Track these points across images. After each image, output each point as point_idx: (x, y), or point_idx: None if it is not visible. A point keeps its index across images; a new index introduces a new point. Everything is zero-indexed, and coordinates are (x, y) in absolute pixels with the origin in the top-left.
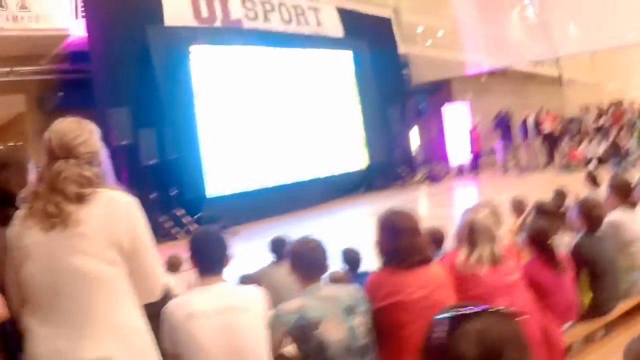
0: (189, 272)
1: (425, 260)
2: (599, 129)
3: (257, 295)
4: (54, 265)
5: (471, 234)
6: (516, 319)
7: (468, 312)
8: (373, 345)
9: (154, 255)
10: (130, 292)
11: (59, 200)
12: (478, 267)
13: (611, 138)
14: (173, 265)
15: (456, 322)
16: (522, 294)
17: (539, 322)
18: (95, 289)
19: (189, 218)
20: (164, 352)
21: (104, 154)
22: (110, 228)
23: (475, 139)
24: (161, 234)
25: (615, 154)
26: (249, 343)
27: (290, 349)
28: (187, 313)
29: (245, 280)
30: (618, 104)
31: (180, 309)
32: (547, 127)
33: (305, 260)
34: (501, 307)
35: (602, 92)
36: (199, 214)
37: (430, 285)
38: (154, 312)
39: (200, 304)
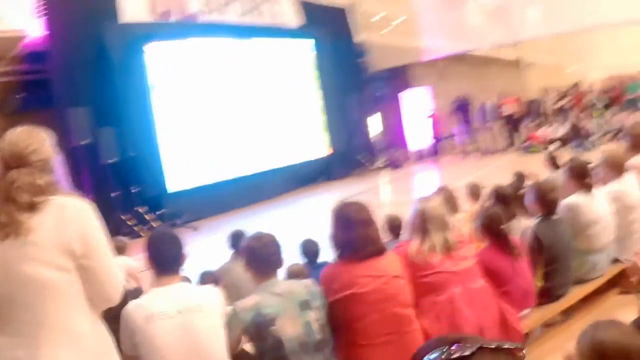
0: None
1: (379, 251)
2: (559, 111)
3: (214, 295)
4: (8, 274)
5: (423, 223)
6: (515, 352)
7: (460, 354)
8: (329, 339)
9: (109, 260)
10: (85, 298)
11: (12, 210)
12: (431, 255)
13: (571, 120)
14: (119, 249)
15: None
16: (478, 281)
17: (497, 308)
18: (49, 297)
19: (151, 215)
20: (124, 355)
21: (57, 160)
22: (61, 234)
23: (434, 124)
24: (125, 232)
25: (576, 135)
26: (207, 343)
27: (250, 345)
28: (146, 315)
29: (206, 277)
30: (577, 86)
31: (139, 311)
32: (507, 110)
33: (258, 257)
34: (498, 343)
35: (562, 75)
36: (161, 211)
37: (385, 277)
38: (114, 314)
39: (158, 305)
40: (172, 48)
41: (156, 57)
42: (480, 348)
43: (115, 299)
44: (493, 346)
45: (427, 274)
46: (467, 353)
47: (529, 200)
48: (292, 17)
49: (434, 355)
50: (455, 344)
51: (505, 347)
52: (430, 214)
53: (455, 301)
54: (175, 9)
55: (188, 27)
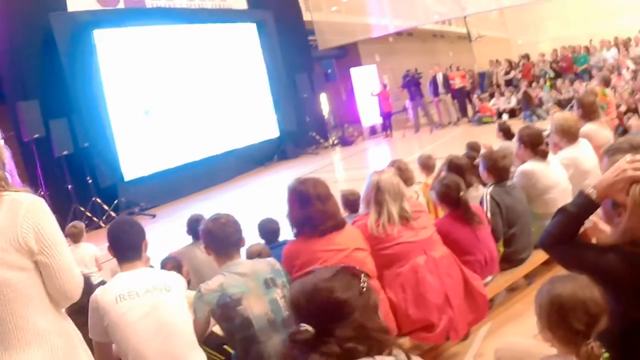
0: (113, 260)
1: (339, 225)
2: (509, 82)
3: (176, 278)
4: None
5: (378, 195)
6: (356, 273)
7: (310, 269)
8: None
9: (66, 256)
10: (47, 296)
11: None
12: (390, 226)
13: (522, 90)
14: (74, 235)
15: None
16: (439, 249)
17: (460, 275)
18: (12, 297)
19: (109, 205)
20: (95, 343)
21: (7, 155)
22: (14, 232)
23: (384, 100)
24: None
25: (527, 105)
26: (177, 321)
27: (219, 327)
28: (116, 296)
29: (168, 262)
30: (527, 57)
31: (108, 294)
32: (458, 82)
33: (218, 237)
34: (341, 265)
35: (512, 47)
36: (117, 200)
37: (346, 250)
38: (79, 307)
39: (126, 286)
40: (121, 35)
41: (105, 44)
42: (325, 267)
43: (75, 295)
44: (340, 267)
45: (388, 245)
46: (310, 270)
47: (481, 169)
48: None
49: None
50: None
51: (348, 267)
52: (385, 185)
53: (419, 270)
54: None
55: (136, 13)
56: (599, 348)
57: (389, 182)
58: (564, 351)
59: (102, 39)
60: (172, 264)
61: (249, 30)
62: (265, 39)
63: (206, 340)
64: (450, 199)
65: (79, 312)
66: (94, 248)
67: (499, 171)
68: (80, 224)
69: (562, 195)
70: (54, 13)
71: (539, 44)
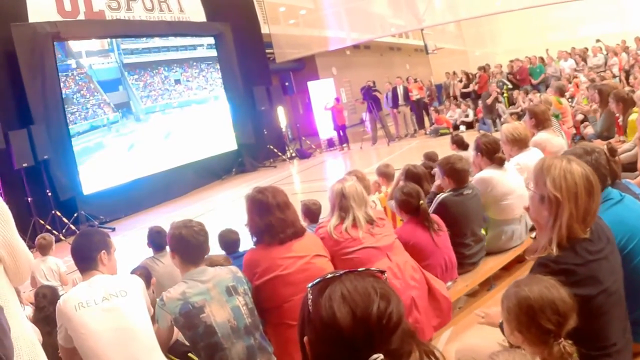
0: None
1: (299, 233)
2: (467, 94)
3: (134, 281)
4: None
5: (343, 201)
6: (378, 275)
7: (330, 276)
8: (258, 322)
9: (24, 252)
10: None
11: None
12: (354, 230)
13: (490, 100)
14: (43, 247)
15: (322, 288)
16: (402, 255)
17: (423, 279)
18: None
19: (68, 218)
20: (62, 349)
21: None
22: None
23: (338, 113)
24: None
25: (486, 115)
26: (135, 322)
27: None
28: (75, 305)
29: (136, 271)
30: (485, 68)
31: (68, 303)
32: (415, 94)
33: (189, 244)
34: (363, 268)
35: (469, 59)
36: (77, 213)
37: (307, 256)
38: (45, 315)
39: (84, 295)
40: (81, 46)
41: (67, 55)
42: (348, 271)
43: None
44: (359, 270)
45: (353, 250)
46: (338, 274)
47: (438, 176)
48: (198, 11)
49: (312, 283)
50: (330, 273)
51: (370, 270)
52: (349, 192)
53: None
54: (82, 7)
55: (96, 25)
56: (571, 346)
57: (353, 189)
58: (534, 352)
59: (63, 50)
60: (141, 272)
61: (207, 43)
62: (223, 52)
63: (171, 349)
64: (411, 207)
65: (44, 321)
66: (60, 262)
67: (457, 173)
68: (50, 237)
69: (519, 201)
70: (15, 24)
71: (496, 56)
